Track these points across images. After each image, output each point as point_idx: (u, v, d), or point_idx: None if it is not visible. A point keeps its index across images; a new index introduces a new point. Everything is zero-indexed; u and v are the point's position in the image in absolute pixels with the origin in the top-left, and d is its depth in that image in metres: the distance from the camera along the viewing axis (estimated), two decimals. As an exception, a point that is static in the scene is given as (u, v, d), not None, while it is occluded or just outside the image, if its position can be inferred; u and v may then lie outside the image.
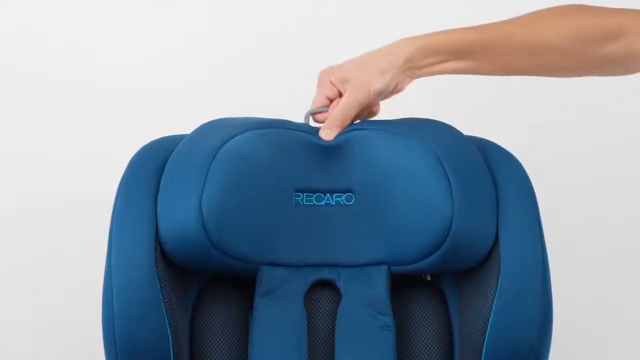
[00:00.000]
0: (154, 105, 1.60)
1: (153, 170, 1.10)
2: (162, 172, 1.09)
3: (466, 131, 1.18)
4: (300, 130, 1.12)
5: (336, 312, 1.09)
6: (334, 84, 1.13)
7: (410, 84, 1.15)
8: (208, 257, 1.06)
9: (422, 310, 1.13)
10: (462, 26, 1.14)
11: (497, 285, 1.06)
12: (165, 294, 1.05)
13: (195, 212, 1.05)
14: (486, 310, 1.06)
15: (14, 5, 1.59)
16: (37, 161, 1.59)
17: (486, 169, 1.10)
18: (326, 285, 1.11)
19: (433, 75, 1.14)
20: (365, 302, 1.08)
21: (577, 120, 1.65)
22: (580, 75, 1.18)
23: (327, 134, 1.12)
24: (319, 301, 1.11)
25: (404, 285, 1.14)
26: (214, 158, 1.07)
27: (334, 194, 1.11)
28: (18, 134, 1.59)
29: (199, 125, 1.13)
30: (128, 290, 1.04)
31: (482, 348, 1.06)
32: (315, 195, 1.11)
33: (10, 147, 1.59)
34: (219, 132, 1.10)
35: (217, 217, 1.05)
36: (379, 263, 1.10)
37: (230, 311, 1.11)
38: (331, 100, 1.14)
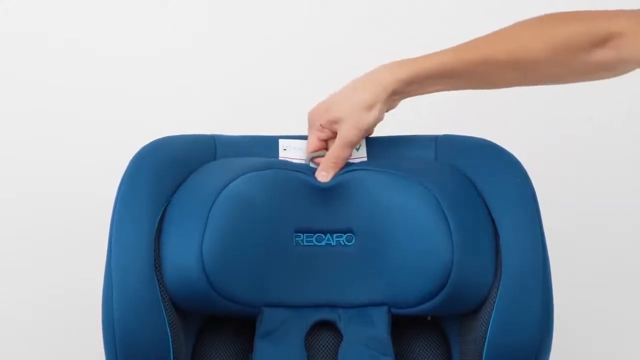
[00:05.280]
0: (154, 105, 1.60)
1: (153, 170, 1.09)
2: (162, 172, 1.09)
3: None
4: (300, 172, 1.12)
5: (337, 353, 1.09)
6: (324, 127, 1.13)
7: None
8: (209, 301, 1.06)
9: (423, 351, 1.13)
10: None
11: (498, 286, 1.06)
12: (165, 295, 1.05)
13: (197, 257, 1.05)
14: (487, 312, 1.06)
15: (13, 5, 1.59)
16: (37, 161, 1.59)
17: (486, 211, 1.09)
18: (327, 325, 1.11)
19: (421, 95, 1.14)
20: (366, 342, 1.08)
21: (579, 119, 1.65)
22: (570, 83, 1.16)
23: (323, 176, 1.12)
24: (319, 342, 1.11)
25: (405, 325, 1.13)
26: (214, 202, 1.06)
27: (334, 234, 1.11)
28: (18, 135, 1.59)
29: (204, 165, 1.13)
30: (128, 291, 1.04)
31: (482, 348, 1.06)
32: (315, 236, 1.10)
33: (10, 147, 1.59)
34: (220, 174, 1.09)
35: (218, 262, 1.05)
36: (379, 304, 1.10)
37: (230, 353, 1.11)
38: (325, 141, 1.14)
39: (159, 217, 1.07)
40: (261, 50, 1.62)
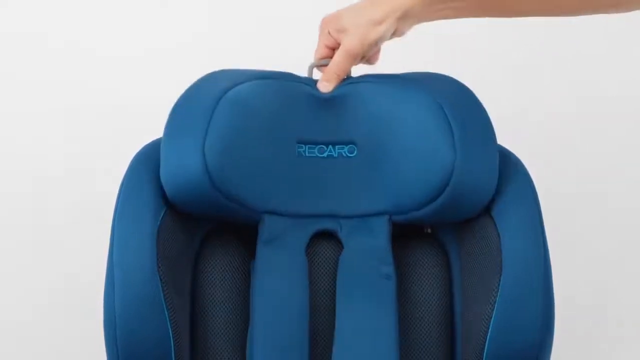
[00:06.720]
0: (154, 105, 1.60)
1: (154, 170, 1.10)
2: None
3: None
4: (303, 83, 1.13)
5: (337, 262, 1.10)
6: (331, 34, 1.14)
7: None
8: (210, 201, 1.07)
9: (422, 260, 1.14)
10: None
11: (499, 284, 1.06)
12: (167, 293, 1.05)
13: (199, 155, 1.06)
14: (488, 311, 1.06)
15: (13, 6, 1.59)
16: (37, 161, 1.59)
17: (489, 120, 1.11)
18: (327, 236, 1.12)
19: (435, 20, 1.13)
20: (366, 252, 1.09)
21: (580, 119, 1.64)
22: (592, 14, 1.14)
23: (325, 86, 1.13)
24: (320, 252, 1.12)
25: (405, 237, 1.14)
26: (217, 104, 1.08)
27: (337, 146, 1.12)
28: (18, 134, 1.59)
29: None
30: (130, 290, 1.04)
31: (483, 348, 1.06)
32: (317, 147, 1.12)
33: (10, 147, 1.59)
34: (223, 80, 1.11)
35: (220, 161, 1.06)
36: (380, 213, 1.11)
37: (232, 258, 1.12)
38: (332, 49, 1.14)
39: (161, 216, 1.07)
40: (261, 50, 1.62)
